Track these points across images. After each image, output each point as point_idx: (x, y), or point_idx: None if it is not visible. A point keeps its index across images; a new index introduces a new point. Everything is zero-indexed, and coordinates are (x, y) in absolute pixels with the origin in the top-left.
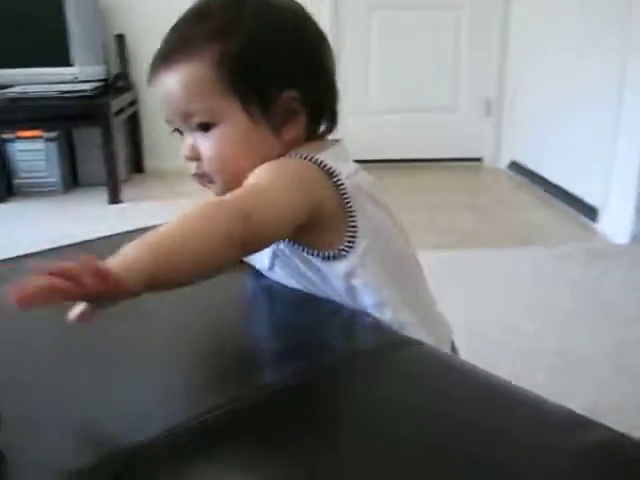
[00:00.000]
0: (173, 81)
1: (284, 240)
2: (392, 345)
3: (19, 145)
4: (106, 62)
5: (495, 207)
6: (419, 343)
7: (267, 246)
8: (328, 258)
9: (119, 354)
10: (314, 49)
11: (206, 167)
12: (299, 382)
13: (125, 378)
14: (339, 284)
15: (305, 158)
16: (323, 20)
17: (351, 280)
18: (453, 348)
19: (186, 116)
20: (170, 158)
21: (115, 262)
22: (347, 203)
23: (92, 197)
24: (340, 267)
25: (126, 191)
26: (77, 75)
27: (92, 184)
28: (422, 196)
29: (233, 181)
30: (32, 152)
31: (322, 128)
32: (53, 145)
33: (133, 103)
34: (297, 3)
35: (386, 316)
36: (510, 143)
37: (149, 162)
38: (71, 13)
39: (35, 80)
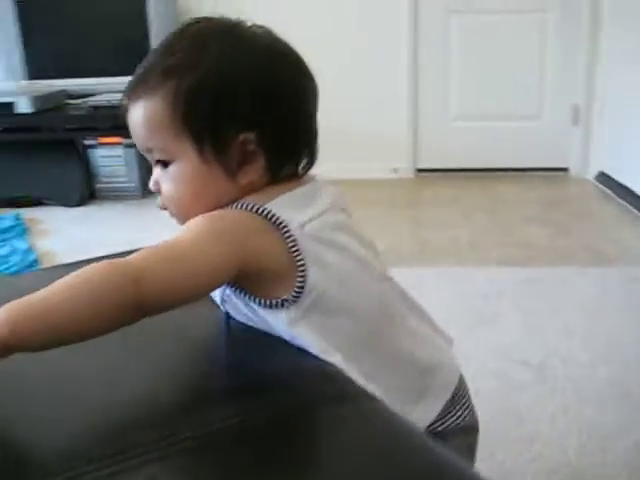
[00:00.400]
0: (135, 115)
1: (229, 285)
2: (335, 398)
3: (100, 151)
4: None
5: (576, 221)
6: (368, 399)
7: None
8: (270, 306)
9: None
10: (282, 90)
11: (164, 202)
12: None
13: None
14: (284, 332)
15: (252, 209)
16: (401, 25)
17: (293, 330)
18: (456, 395)
19: (146, 151)
20: None
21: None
22: (296, 255)
23: None
24: (281, 316)
25: None
26: None
27: None
28: (500, 207)
29: (185, 220)
30: (112, 158)
31: (301, 167)
32: (132, 152)
33: None
34: (278, 40)
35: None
36: (598, 153)
37: None
38: (152, 23)
39: (117, 89)
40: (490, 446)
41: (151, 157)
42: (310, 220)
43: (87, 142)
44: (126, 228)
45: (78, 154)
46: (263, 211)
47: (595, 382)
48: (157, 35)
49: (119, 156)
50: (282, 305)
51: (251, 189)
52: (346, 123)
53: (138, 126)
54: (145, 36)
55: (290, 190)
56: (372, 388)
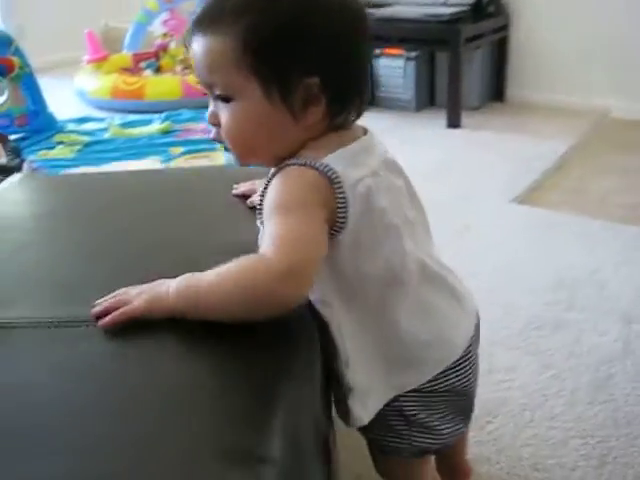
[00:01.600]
0: (200, 49)
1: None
2: None
3: (384, 61)
4: None
5: None
6: None
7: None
8: None
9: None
10: (347, 37)
11: (223, 136)
12: None
13: None
14: None
15: (309, 164)
16: None
17: None
18: (453, 365)
19: (208, 85)
20: (535, 90)
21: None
22: (340, 213)
23: (437, 119)
24: None
25: (473, 117)
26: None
27: (446, 107)
28: None
29: (246, 155)
30: (393, 69)
31: (350, 115)
32: (411, 64)
33: (502, 29)
34: None
35: (327, 314)
36: None
37: (512, 91)
38: None
39: (408, 1)
40: None
41: (210, 91)
42: (362, 178)
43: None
44: (397, 139)
45: None
46: (320, 166)
47: None
48: None
49: (399, 68)
50: None
51: (310, 131)
52: None
53: (202, 60)
54: None
55: (345, 145)
56: (351, 347)
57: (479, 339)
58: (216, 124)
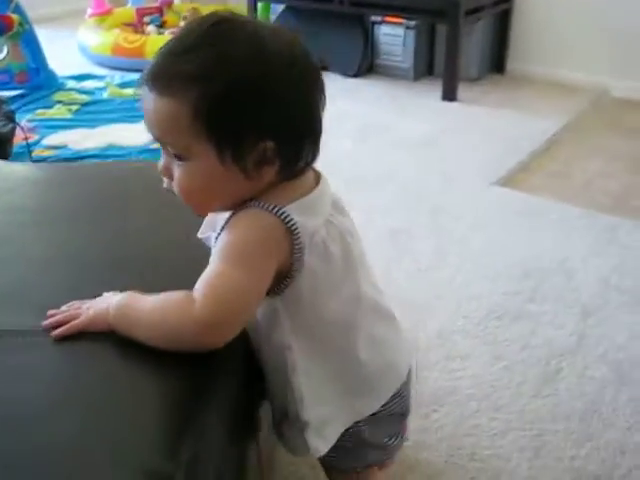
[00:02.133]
0: (152, 107)
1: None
2: None
3: (384, 29)
4: None
5: None
6: None
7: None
8: None
9: None
10: (300, 95)
11: (175, 191)
12: None
13: None
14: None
15: (271, 210)
16: None
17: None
18: (399, 390)
19: (161, 142)
20: (538, 63)
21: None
22: (296, 261)
23: (434, 90)
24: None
25: (471, 90)
26: None
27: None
28: None
29: (200, 209)
30: (393, 37)
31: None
32: (411, 34)
33: (504, 1)
34: (294, 39)
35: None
36: None
37: (513, 64)
38: None
39: None
40: None
41: (163, 147)
42: (319, 228)
43: (373, 18)
44: (390, 110)
45: (364, 29)
46: (282, 214)
47: None
48: None
49: (399, 36)
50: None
51: (265, 187)
52: None
53: (155, 120)
54: None
55: (303, 195)
56: (306, 384)
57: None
58: (168, 176)
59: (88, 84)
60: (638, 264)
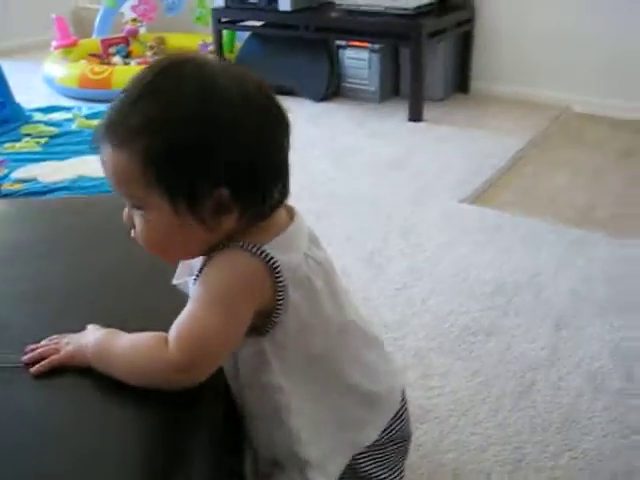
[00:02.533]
0: (105, 159)
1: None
2: None
3: (349, 52)
4: None
5: None
6: None
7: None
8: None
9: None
10: (257, 137)
11: (138, 240)
12: None
13: None
14: (248, 348)
15: (250, 249)
16: None
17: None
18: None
19: (119, 193)
20: (500, 82)
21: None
22: (279, 300)
23: (400, 111)
24: (249, 341)
25: (436, 110)
26: None
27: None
28: None
29: (167, 258)
30: (358, 60)
31: (277, 204)
32: (376, 57)
33: (466, 22)
34: (251, 79)
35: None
36: None
37: (476, 84)
38: None
39: None
40: None
41: (125, 198)
42: (299, 264)
43: (338, 42)
44: (358, 133)
45: (329, 53)
46: (262, 253)
47: None
48: None
49: (364, 59)
50: (251, 333)
51: (231, 233)
52: (608, 48)
53: (110, 171)
54: None
55: (279, 232)
56: (302, 423)
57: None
58: (132, 226)
59: (56, 116)
60: (606, 275)
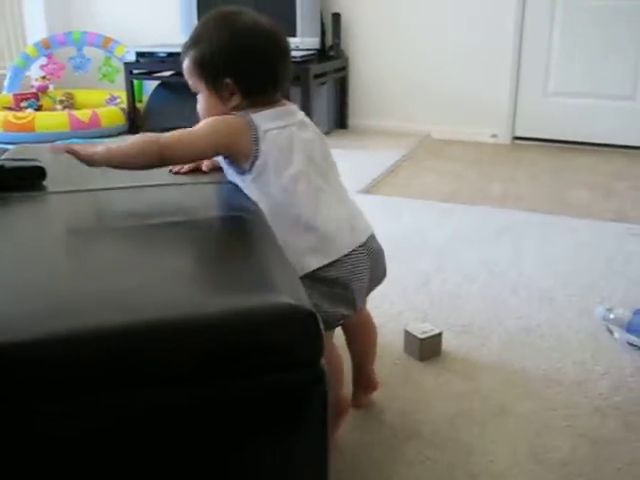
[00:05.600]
0: (184, 66)
1: (224, 160)
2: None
3: None
4: (323, 35)
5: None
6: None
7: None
8: (241, 173)
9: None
10: (251, 51)
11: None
12: None
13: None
14: (246, 189)
15: (239, 114)
16: (510, 2)
17: (250, 187)
18: (340, 259)
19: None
20: (372, 117)
21: (99, 150)
22: (255, 147)
23: None
24: (246, 178)
25: None
26: (299, 44)
27: None
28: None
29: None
30: None
31: (266, 95)
32: None
33: (342, 69)
34: (255, 21)
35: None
36: None
37: (353, 120)
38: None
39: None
40: None
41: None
42: (271, 129)
43: None
44: None
45: None
46: (246, 116)
47: None
48: (301, 4)
49: None
50: (244, 173)
51: (237, 109)
52: (454, 88)
53: (184, 72)
54: (292, 5)
55: (263, 110)
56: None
57: (374, 252)
58: None
59: None
60: (468, 232)
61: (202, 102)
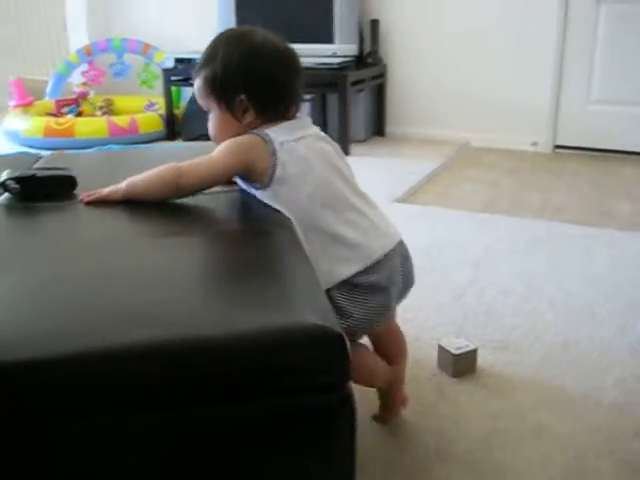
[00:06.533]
0: (195, 86)
1: (241, 178)
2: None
3: None
4: (361, 41)
5: None
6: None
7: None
8: (259, 188)
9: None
10: (263, 70)
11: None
12: None
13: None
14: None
15: (255, 132)
16: (552, 9)
17: (271, 202)
18: (371, 266)
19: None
20: (410, 125)
21: (121, 186)
22: (273, 160)
23: None
24: (265, 194)
25: (359, 148)
26: (336, 51)
27: (335, 140)
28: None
29: (216, 142)
30: None
31: (278, 112)
32: (307, 105)
33: (380, 76)
34: (266, 40)
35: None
36: None
37: (391, 127)
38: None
39: (303, 53)
40: None
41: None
42: (288, 141)
43: None
44: None
45: None
46: (261, 133)
47: None
48: (339, 11)
49: None
50: (264, 187)
51: (252, 126)
52: (494, 96)
53: (195, 92)
54: (330, 12)
55: (276, 125)
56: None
57: (403, 257)
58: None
59: None
60: (505, 243)
61: (215, 121)
